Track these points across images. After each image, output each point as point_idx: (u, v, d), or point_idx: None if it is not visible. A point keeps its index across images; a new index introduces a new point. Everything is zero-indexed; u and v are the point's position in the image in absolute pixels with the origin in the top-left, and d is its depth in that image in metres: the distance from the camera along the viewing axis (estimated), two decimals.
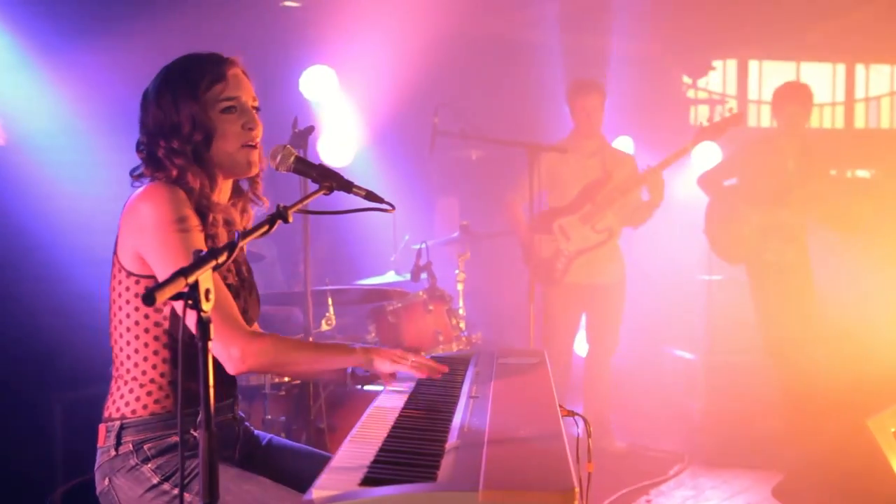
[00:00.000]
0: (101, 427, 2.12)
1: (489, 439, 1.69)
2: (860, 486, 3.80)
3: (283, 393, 3.65)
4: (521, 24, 6.61)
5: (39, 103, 4.40)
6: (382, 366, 2.19)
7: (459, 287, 4.42)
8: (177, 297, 1.44)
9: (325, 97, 5.43)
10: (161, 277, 2.02)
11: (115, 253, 2.12)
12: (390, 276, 4.62)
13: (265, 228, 1.76)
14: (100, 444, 2.11)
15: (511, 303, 5.16)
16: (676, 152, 5.06)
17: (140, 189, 2.08)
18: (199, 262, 1.48)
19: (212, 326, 1.88)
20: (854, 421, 3.83)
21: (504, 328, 5.45)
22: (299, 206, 1.88)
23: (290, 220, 1.82)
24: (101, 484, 2.09)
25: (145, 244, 2.03)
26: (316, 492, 1.49)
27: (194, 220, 2.06)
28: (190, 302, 1.46)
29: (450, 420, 1.90)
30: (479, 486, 1.41)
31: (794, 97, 5.28)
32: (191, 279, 1.44)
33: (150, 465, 2.05)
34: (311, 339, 3.52)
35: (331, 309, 3.81)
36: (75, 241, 4.06)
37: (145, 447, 2.06)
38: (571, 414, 2.15)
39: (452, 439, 1.74)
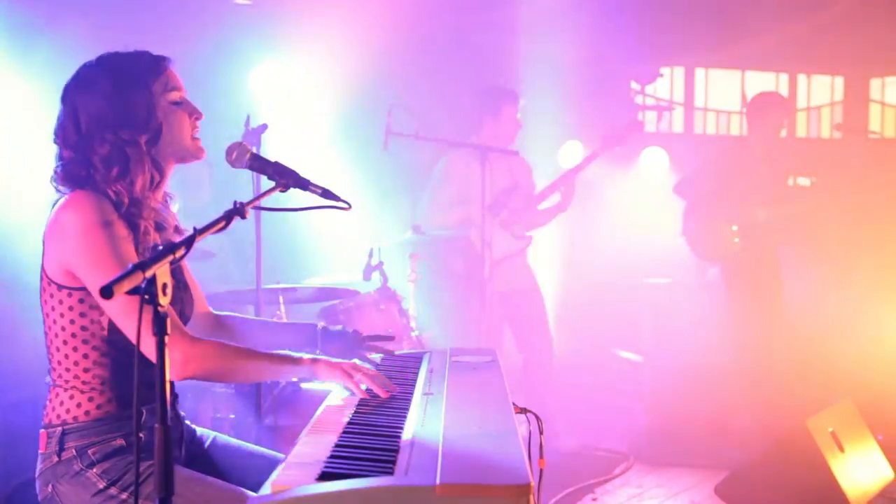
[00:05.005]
0: (42, 433, 2.07)
1: (445, 435, 1.70)
2: (800, 484, 3.89)
3: (231, 391, 3.63)
4: (476, 27, 6.65)
5: None
6: (330, 377, 2.13)
7: (411, 287, 4.44)
8: (133, 291, 1.43)
9: (276, 95, 5.40)
10: (90, 287, 1.98)
11: (42, 267, 2.07)
12: (341, 275, 4.62)
13: (221, 224, 1.75)
14: (41, 450, 2.07)
15: (461, 303, 5.18)
16: (586, 158, 5.22)
17: (62, 199, 2.03)
18: (157, 255, 1.48)
19: (148, 331, 1.87)
20: (794, 420, 3.93)
21: (454, 328, 5.47)
22: (256, 203, 1.88)
23: (247, 216, 1.82)
24: (44, 491, 2.05)
25: (71, 254, 1.98)
26: (273, 486, 1.50)
27: (122, 228, 2.01)
28: (147, 297, 1.45)
29: (404, 416, 1.92)
30: (437, 480, 1.43)
31: (769, 108, 5.52)
32: (148, 273, 1.43)
33: (95, 470, 2.02)
34: None
35: (282, 307, 3.80)
36: (14, 240, 3.98)
37: (89, 452, 2.03)
38: (524, 411, 2.17)
39: (408, 435, 1.76)
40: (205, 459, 2.28)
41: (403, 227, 5.00)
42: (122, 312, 1.94)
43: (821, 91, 8.77)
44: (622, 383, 6.58)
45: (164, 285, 1.47)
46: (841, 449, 3.95)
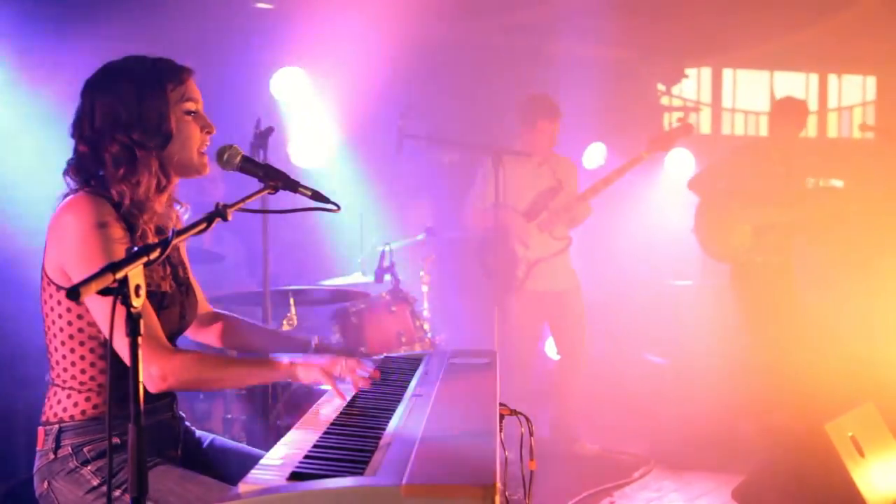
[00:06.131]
0: (40, 431, 2.11)
1: (423, 436, 1.71)
2: (818, 489, 3.83)
3: (243, 392, 3.66)
4: (498, 29, 6.64)
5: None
6: (308, 378, 2.13)
7: (424, 289, 4.45)
8: (106, 292, 1.44)
9: (297, 99, 5.44)
10: None
11: (42, 267, 2.11)
12: (357, 277, 4.64)
13: (202, 226, 1.77)
14: (39, 447, 2.11)
15: (477, 305, 5.18)
16: (632, 160, 5.15)
17: (65, 201, 2.06)
18: (130, 257, 1.50)
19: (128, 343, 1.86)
20: (814, 424, 3.87)
21: (470, 330, 5.46)
22: (240, 205, 1.90)
23: (229, 218, 1.83)
24: (41, 487, 2.09)
25: (65, 255, 2.01)
26: (243, 486, 1.51)
27: (119, 232, 2.03)
28: (119, 298, 1.46)
29: (388, 417, 1.92)
30: (403, 480, 1.43)
31: (788, 113, 5.60)
32: (119, 274, 1.44)
33: (89, 468, 2.05)
34: None
35: (292, 309, 3.82)
36: (23, 240, 4.05)
37: (84, 450, 2.07)
38: (515, 413, 2.17)
39: (387, 436, 1.76)
40: (203, 460, 2.30)
41: (417, 229, 5.01)
42: (99, 314, 1.97)
43: (852, 91, 8.64)
44: (646, 386, 6.53)
45: (138, 287, 1.48)
46: (861, 454, 3.88)
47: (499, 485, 1.43)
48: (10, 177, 4.37)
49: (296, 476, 1.55)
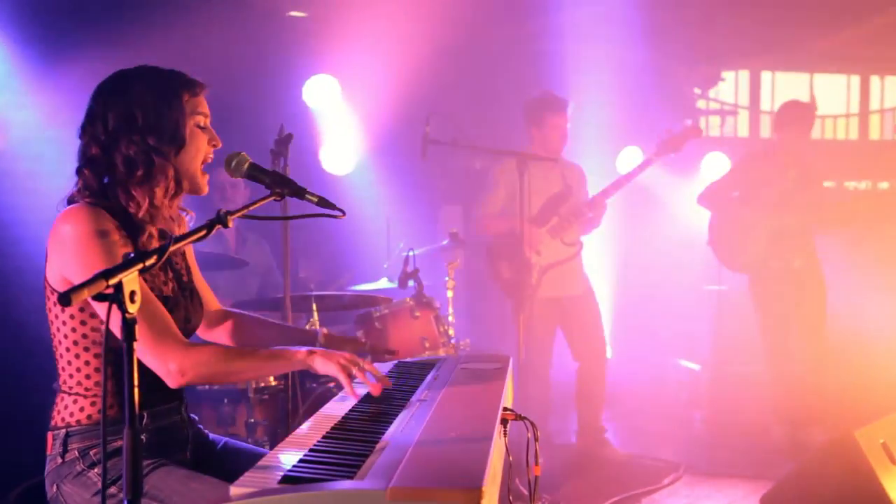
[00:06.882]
0: (49, 435, 2.16)
1: (418, 440, 1.72)
2: (847, 497, 3.77)
3: (266, 397, 3.70)
4: (525, 35, 6.64)
5: (34, 109, 4.50)
6: (325, 369, 2.12)
7: (449, 294, 4.45)
8: (101, 298, 1.48)
9: (329, 106, 5.49)
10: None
11: (45, 277, 2.14)
12: (383, 283, 4.65)
13: (202, 233, 1.80)
14: (48, 451, 2.16)
15: (502, 311, 5.17)
16: (640, 164, 5.11)
17: (62, 212, 2.09)
18: (124, 263, 1.53)
19: (144, 342, 1.92)
20: (844, 431, 3.81)
21: (495, 336, 5.46)
22: (242, 212, 1.93)
23: (230, 225, 1.86)
24: (50, 490, 2.14)
25: (66, 263, 2.05)
26: (233, 489, 1.53)
27: (118, 240, 2.06)
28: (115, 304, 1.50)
29: (390, 422, 1.94)
30: (389, 483, 1.44)
31: (797, 116, 5.52)
32: (113, 280, 1.47)
33: (96, 471, 2.09)
34: None
35: (315, 314, 3.85)
36: (36, 250, 4.12)
37: (91, 453, 2.11)
38: (520, 418, 2.17)
39: (384, 440, 1.78)
40: (214, 463, 2.32)
41: (442, 234, 5.02)
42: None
43: (895, 92, 8.47)
44: (680, 392, 6.48)
45: (133, 293, 1.52)
46: (893, 462, 3.81)
47: (485, 489, 1.43)
48: (24, 181, 4.46)
49: (287, 479, 1.56)
